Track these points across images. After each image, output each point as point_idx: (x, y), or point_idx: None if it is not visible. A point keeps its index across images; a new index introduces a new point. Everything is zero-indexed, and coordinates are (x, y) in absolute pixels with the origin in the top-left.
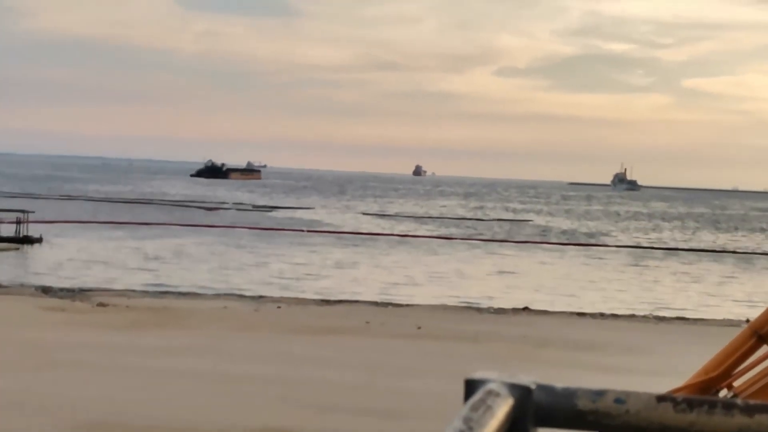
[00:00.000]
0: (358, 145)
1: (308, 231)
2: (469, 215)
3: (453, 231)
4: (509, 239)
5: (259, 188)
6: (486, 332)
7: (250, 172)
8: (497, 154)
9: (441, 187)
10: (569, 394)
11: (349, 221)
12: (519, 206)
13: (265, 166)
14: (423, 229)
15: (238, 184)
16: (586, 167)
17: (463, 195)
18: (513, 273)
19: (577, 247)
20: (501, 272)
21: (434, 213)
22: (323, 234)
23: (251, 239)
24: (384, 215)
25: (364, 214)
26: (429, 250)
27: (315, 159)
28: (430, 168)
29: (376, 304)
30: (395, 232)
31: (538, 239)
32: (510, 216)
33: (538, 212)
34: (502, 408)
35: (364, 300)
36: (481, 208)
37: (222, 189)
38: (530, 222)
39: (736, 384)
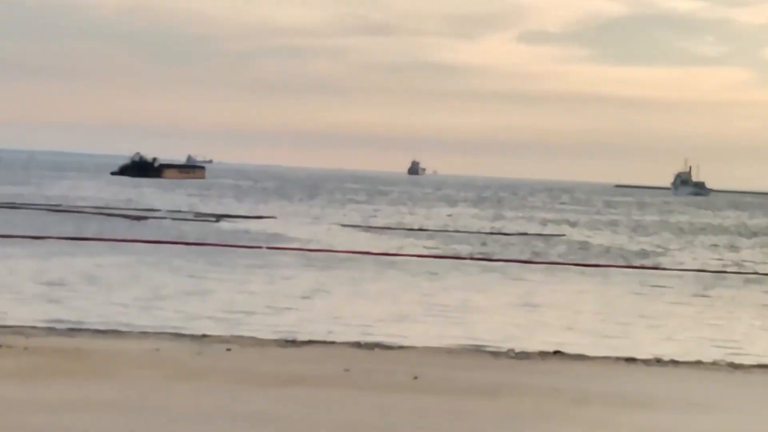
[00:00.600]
0: (336, 133)
1: (268, 248)
2: (481, 228)
3: (460, 249)
4: (535, 260)
5: (202, 190)
6: (505, 384)
7: (190, 169)
8: (520, 147)
9: (445, 190)
10: None
11: (322, 235)
12: (549, 216)
13: (210, 162)
14: (420, 247)
15: (174, 185)
16: (638, 165)
17: (474, 200)
18: (540, 305)
19: (625, 270)
20: (524, 304)
21: (436, 224)
22: (288, 252)
23: (191, 259)
24: (369, 228)
25: (342, 225)
26: (428, 274)
27: (278, 152)
28: (430, 165)
29: (358, 345)
30: (384, 251)
31: (573, 260)
32: (536, 229)
33: (574, 224)
34: None
35: (342, 340)
36: (499, 218)
37: (153, 191)
38: (563, 237)
39: None
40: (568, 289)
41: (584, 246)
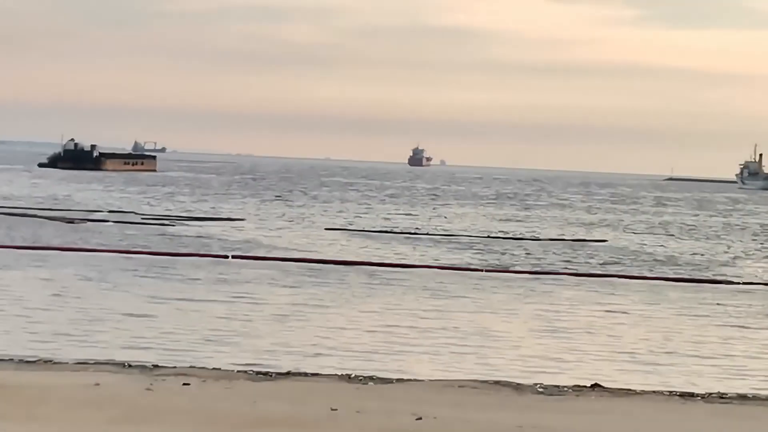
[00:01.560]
0: (320, 115)
1: (235, 258)
2: (500, 231)
3: (474, 258)
4: (567, 271)
5: (153, 185)
6: (532, 425)
7: (138, 159)
8: (549, 132)
9: (454, 185)
10: None
11: (302, 241)
12: (585, 216)
13: (163, 150)
14: (425, 255)
15: (118, 180)
16: (697, 152)
17: (492, 197)
18: (574, 328)
19: (680, 284)
20: (554, 327)
21: (443, 227)
22: (259, 263)
23: (140, 272)
24: (361, 232)
25: (327, 229)
26: (434, 289)
27: (248, 138)
28: (436, 153)
29: (348, 378)
30: (379, 260)
31: (615, 272)
32: (570, 233)
33: (616, 227)
34: None
35: (327, 373)
36: (522, 219)
37: (92, 187)
38: (603, 243)
39: None
40: (609, 308)
41: (629, 254)
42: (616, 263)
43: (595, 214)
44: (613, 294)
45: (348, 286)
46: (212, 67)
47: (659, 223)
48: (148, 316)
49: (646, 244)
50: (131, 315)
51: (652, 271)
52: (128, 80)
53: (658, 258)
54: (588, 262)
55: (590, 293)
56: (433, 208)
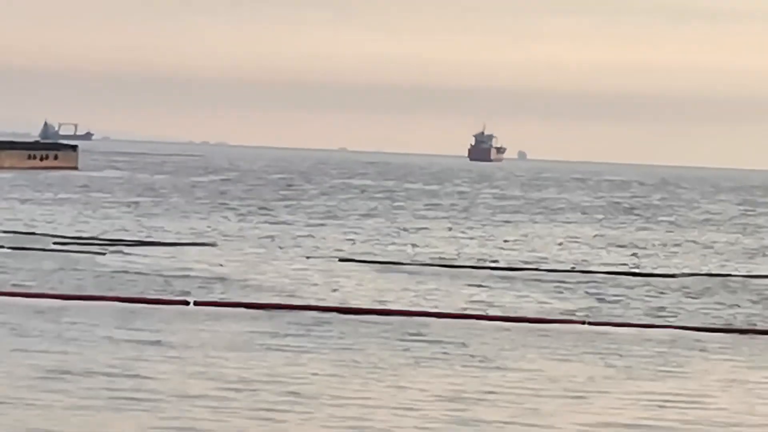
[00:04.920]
0: (329, 84)
1: (197, 304)
2: (609, 262)
3: (564, 304)
4: (711, 325)
5: (73, 192)
6: None
7: (49, 150)
8: (684, 107)
9: (540, 191)
10: None
11: (303, 277)
12: (739, 238)
13: (88, 137)
14: (507, 298)
15: (17, 182)
16: None
17: (601, 210)
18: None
19: None
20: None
21: (537, 256)
22: (237, 311)
23: (51, 325)
24: (396, 264)
25: (342, 260)
26: (524, 355)
27: (218, 120)
28: (511, 141)
29: None
30: (433, 309)
31: None
32: (717, 265)
33: None
34: None
35: None
36: (644, 244)
37: None
38: None
39: None
40: None
41: None
42: None
43: (755, 236)
44: None
45: (385, 350)
46: (163, 8)
47: None
48: (60, 391)
49: None
50: (42, 388)
51: None
52: (33, 33)
53: None
54: (744, 311)
55: (758, 358)
56: (507, 226)
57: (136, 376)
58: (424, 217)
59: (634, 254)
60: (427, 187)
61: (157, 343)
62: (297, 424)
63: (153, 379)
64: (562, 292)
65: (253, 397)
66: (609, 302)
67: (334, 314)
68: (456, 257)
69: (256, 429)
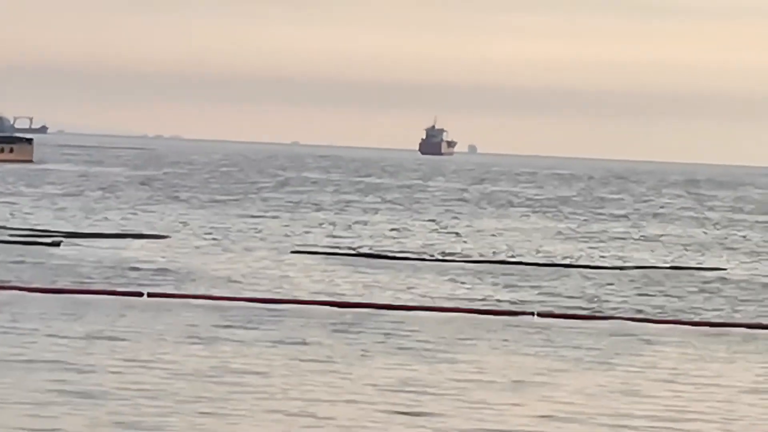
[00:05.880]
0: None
1: (151, 296)
2: (562, 254)
3: (520, 294)
4: (665, 317)
5: (26, 186)
6: None
7: (6, 143)
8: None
9: (490, 185)
10: None
11: (255, 269)
12: (693, 233)
13: (43, 130)
14: (457, 292)
15: None
16: None
17: (552, 204)
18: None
19: None
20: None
21: (473, 249)
22: (192, 303)
23: (5, 317)
24: (350, 255)
25: (294, 252)
26: (473, 347)
27: (172, 114)
28: (461, 135)
29: None
30: (371, 299)
31: (737, 320)
32: (668, 258)
33: (736, 248)
34: None
35: None
36: (596, 237)
37: None
38: (721, 272)
39: None
40: (729, 374)
41: (760, 290)
42: (738, 305)
43: (709, 230)
44: (732, 351)
45: (328, 339)
46: (119, 2)
47: None
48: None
49: None
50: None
51: None
52: None
53: None
54: (697, 304)
55: (699, 350)
56: (458, 219)
57: (87, 367)
58: (374, 210)
59: (583, 247)
60: (378, 181)
61: (110, 335)
62: (245, 415)
63: (104, 371)
64: (511, 284)
65: (202, 388)
66: (558, 294)
67: (284, 306)
68: (405, 249)
69: (204, 420)
